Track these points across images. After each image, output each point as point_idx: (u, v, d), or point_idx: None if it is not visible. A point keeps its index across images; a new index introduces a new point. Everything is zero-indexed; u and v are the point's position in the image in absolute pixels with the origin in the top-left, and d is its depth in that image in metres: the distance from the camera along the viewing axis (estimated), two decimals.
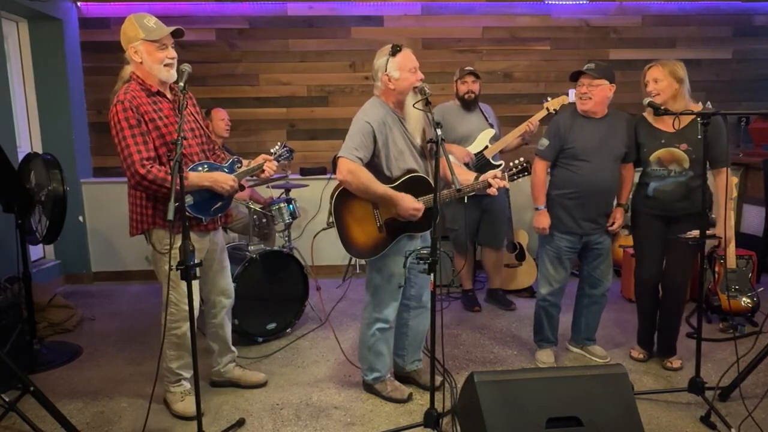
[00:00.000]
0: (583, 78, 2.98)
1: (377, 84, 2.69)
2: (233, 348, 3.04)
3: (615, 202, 3.19)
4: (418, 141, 2.73)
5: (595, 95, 2.96)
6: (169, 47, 2.54)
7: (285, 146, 2.84)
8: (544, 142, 3.11)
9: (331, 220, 2.68)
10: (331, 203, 2.67)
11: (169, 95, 2.62)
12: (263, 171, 2.72)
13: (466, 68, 4.08)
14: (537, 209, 3.14)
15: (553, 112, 3.82)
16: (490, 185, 2.69)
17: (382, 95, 2.71)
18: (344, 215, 2.67)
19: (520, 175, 2.78)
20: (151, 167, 2.43)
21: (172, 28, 2.52)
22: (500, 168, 3.97)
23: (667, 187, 3.01)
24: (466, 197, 3.83)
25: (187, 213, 2.32)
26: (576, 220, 3.07)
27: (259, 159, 2.73)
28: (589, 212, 3.06)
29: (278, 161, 2.79)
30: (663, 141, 2.99)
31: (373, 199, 2.64)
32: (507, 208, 4.35)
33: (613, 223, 3.13)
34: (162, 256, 2.60)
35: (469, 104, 4.06)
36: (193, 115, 2.73)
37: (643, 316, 3.29)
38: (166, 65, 2.52)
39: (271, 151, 2.79)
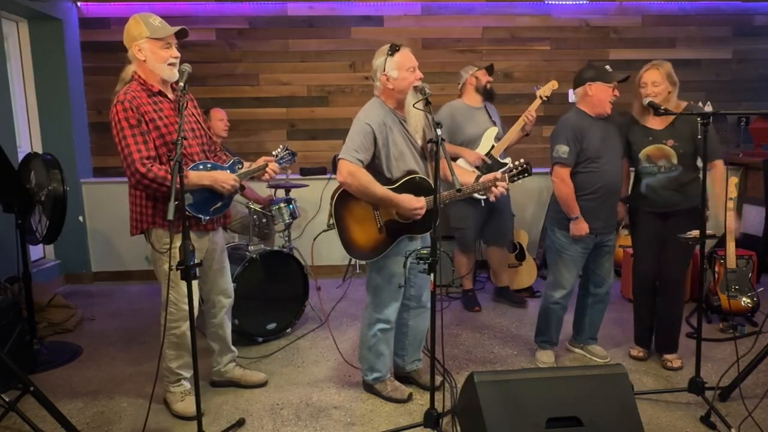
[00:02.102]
0: (618, 83, 3.01)
1: (376, 84, 2.69)
2: (233, 348, 3.04)
3: None
4: (419, 141, 2.73)
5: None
6: (173, 46, 2.55)
7: (287, 149, 2.85)
8: (564, 148, 2.99)
9: (331, 221, 2.67)
10: (331, 205, 2.66)
11: (170, 95, 2.62)
12: (264, 173, 2.72)
13: (478, 64, 4.13)
14: (575, 218, 3.01)
15: (546, 99, 3.88)
16: (490, 186, 2.68)
17: (382, 95, 2.70)
18: (345, 217, 2.67)
19: (521, 177, 2.76)
20: (151, 166, 2.43)
21: (177, 28, 2.54)
22: (505, 165, 4.01)
23: (658, 183, 3.07)
24: (481, 198, 3.89)
25: (186, 212, 2.32)
26: (593, 221, 3.06)
27: (261, 161, 2.73)
28: (604, 211, 3.08)
29: (280, 164, 2.80)
30: (651, 138, 3.07)
31: (372, 201, 2.64)
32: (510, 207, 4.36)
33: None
34: (161, 256, 2.60)
35: (490, 95, 4.07)
36: (194, 115, 2.74)
37: (639, 313, 3.31)
38: (169, 64, 2.54)
39: (273, 153, 2.81)
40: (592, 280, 3.25)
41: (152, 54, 2.50)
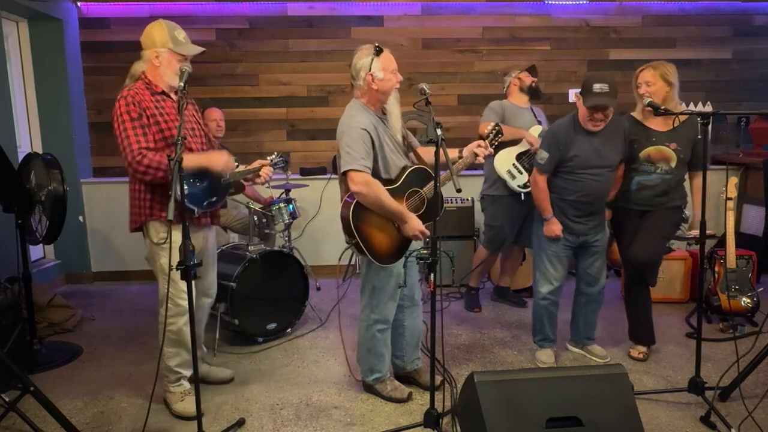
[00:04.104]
0: (604, 110, 2.91)
1: (358, 84, 2.67)
2: (204, 347, 3.15)
3: None
4: (399, 139, 2.76)
5: (608, 116, 2.96)
6: (187, 59, 2.64)
7: (281, 156, 2.92)
8: (544, 155, 3.04)
9: (347, 239, 2.64)
10: (349, 221, 2.58)
11: (173, 96, 2.69)
12: (259, 175, 2.78)
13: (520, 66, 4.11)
14: (547, 219, 3.10)
15: None
16: (477, 155, 2.73)
17: (363, 97, 2.70)
18: (365, 229, 2.62)
19: (497, 138, 2.81)
20: (147, 153, 2.50)
21: (200, 49, 2.65)
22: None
23: (651, 182, 3.09)
24: (521, 192, 3.85)
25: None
26: (572, 223, 3.10)
27: (256, 164, 2.79)
28: (585, 215, 3.10)
29: (273, 168, 2.86)
30: (654, 139, 3.07)
31: (383, 212, 2.62)
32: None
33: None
34: (158, 250, 2.63)
35: (536, 93, 4.05)
36: (194, 116, 2.82)
37: (635, 309, 3.30)
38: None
39: (268, 158, 2.87)
40: (584, 279, 3.26)
41: (168, 64, 2.60)
